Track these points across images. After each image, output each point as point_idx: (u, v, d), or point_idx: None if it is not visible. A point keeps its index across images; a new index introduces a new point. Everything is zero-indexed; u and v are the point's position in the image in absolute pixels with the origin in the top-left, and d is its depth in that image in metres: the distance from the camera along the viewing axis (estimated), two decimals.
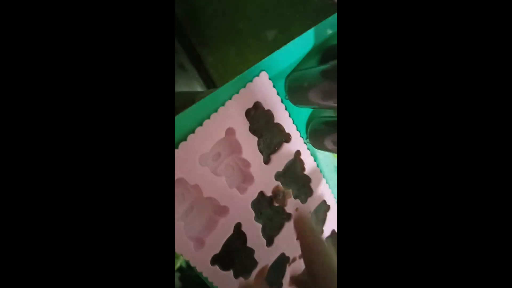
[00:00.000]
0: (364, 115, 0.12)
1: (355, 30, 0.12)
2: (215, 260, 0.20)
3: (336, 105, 0.21)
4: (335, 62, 0.20)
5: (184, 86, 0.52)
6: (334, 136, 0.23)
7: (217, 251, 0.20)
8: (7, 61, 0.10)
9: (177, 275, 0.53)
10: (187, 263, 0.35)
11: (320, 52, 0.24)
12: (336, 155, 0.28)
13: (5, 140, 0.10)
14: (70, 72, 0.11)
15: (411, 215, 0.11)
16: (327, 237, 0.27)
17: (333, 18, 0.23)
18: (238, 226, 0.21)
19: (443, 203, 0.11)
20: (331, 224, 0.27)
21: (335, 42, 0.25)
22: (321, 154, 0.27)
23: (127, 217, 0.11)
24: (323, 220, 0.26)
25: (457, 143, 0.11)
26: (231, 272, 0.21)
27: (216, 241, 0.20)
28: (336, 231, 0.27)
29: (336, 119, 0.25)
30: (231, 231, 0.20)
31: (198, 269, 0.19)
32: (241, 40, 0.47)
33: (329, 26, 0.23)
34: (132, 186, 0.11)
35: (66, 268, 0.11)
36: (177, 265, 0.37)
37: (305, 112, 0.25)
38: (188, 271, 0.37)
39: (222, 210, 0.20)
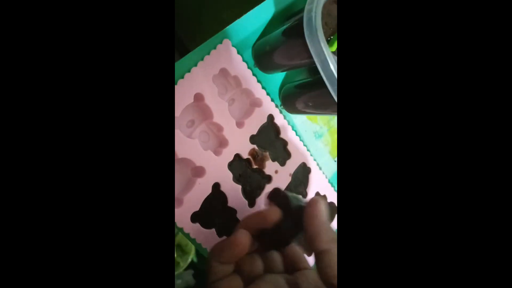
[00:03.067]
0: (363, 115, 0.12)
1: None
2: (195, 217, 0.21)
3: (302, 62, 0.22)
4: (294, 18, 0.21)
5: None
6: (305, 98, 0.24)
7: (196, 209, 0.21)
8: (11, 60, 0.11)
9: (190, 272, 0.54)
10: (199, 257, 0.35)
11: (287, 19, 0.25)
12: (313, 118, 0.29)
13: (4, 136, 0.11)
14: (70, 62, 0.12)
15: (410, 214, 0.11)
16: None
17: None
18: (216, 186, 0.22)
19: (443, 201, 0.11)
20: (314, 186, 0.28)
21: (300, 7, 0.25)
22: (298, 120, 0.28)
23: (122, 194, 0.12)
24: (305, 183, 0.27)
25: (455, 136, 0.11)
26: (213, 231, 0.22)
27: (195, 200, 0.21)
28: (319, 193, 0.28)
29: (306, 80, 0.25)
30: (209, 191, 0.22)
31: (179, 225, 0.20)
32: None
33: None
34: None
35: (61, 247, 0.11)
36: (189, 260, 0.38)
37: (277, 79, 0.26)
38: (201, 266, 0.37)
39: (199, 170, 0.21)
